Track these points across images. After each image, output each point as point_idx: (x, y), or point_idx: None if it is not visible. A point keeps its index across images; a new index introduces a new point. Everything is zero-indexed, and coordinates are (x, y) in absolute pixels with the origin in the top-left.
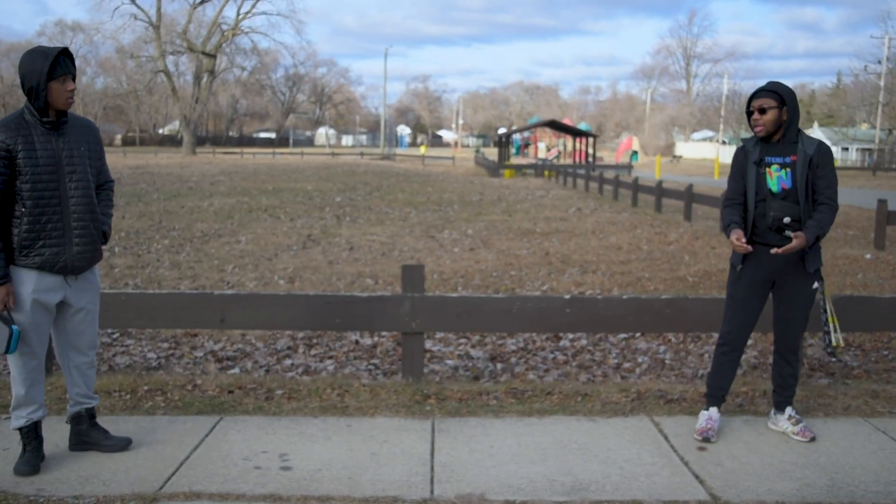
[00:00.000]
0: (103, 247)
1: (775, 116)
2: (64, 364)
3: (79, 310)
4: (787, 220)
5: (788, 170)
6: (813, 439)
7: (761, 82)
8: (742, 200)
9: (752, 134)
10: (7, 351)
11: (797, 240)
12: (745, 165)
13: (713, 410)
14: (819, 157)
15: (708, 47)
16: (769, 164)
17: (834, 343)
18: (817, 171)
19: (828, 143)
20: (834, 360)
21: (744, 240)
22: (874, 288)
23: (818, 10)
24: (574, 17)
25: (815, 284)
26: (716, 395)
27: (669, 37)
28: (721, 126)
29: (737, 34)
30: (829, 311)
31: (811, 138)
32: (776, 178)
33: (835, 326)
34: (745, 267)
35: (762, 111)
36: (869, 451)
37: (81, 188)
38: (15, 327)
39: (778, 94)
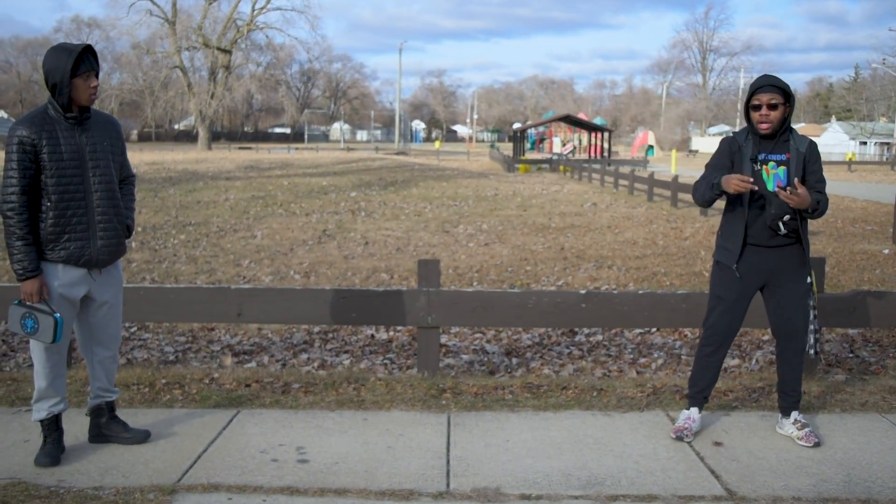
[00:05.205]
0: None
1: (783, 113)
2: (88, 358)
3: (102, 303)
4: (786, 217)
5: (784, 167)
6: (817, 444)
7: (778, 75)
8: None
9: (745, 127)
10: (54, 340)
11: (801, 194)
12: (738, 160)
13: (693, 411)
14: (810, 155)
15: (724, 41)
16: (766, 162)
17: (817, 349)
18: (808, 168)
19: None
20: (815, 356)
21: (750, 181)
22: (892, 283)
23: (842, 1)
24: (593, 11)
25: (809, 279)
26: (696, 395)
27: (685, 30)
28: (738, 120)
29: (756, 27)
30: (815, 306)
31: (801, 136)
32: (773, 175)
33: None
34: (741, 267)
35: (773, 107)
36: (886, 447)
37: (105, 182)
38: (58, 315)
39: (785, 92)
